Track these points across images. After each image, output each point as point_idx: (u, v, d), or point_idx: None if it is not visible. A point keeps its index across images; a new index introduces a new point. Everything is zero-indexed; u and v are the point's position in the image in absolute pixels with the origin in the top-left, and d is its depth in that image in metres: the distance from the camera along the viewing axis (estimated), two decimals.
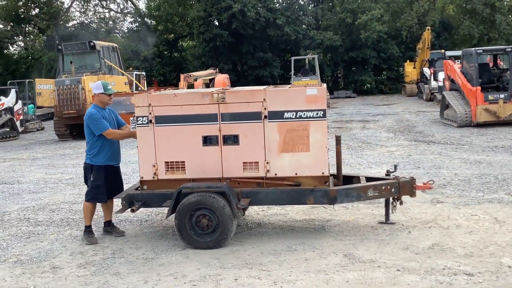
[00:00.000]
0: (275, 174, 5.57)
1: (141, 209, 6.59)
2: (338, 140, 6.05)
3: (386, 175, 6.03)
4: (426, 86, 25.57)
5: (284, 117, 5.47)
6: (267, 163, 5.55)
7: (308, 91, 5.45)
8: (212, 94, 5.55)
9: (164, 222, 6.46)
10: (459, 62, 17.00)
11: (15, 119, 18.67)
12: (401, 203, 5.89)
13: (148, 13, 40.23)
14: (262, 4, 32.85)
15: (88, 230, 5.90)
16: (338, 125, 16.60)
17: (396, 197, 5.85)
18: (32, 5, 39.72)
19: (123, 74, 18.22)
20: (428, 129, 14.20)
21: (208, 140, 5.60)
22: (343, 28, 35.18)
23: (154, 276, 4.76)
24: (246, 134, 5.55)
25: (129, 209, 5.59)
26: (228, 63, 34.19)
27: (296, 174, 5.54)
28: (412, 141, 12.21)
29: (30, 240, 6.01)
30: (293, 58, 26.83)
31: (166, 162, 5.68)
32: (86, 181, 6.00)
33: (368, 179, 6.08)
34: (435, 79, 23.94)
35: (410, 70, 30.16)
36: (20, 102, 19.53)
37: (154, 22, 39.79)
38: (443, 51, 29.31)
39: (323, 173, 5.51)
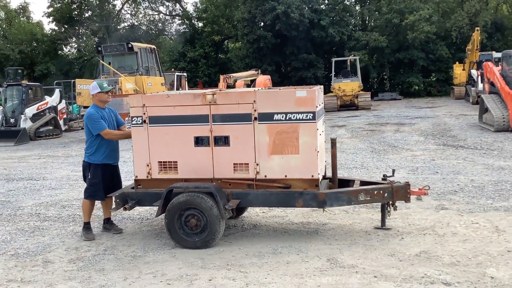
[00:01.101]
0: (265, 176, 5.55)
1: (145, 208, 6.79)
2: (333, 143, 5.96)
3: (383, 179, 5.89)
4: (473, 88, 24.71)
5: (274, 119, 5.45)
6: (257, 164, 5.54)
7: (297, 93, 5.40)
8: (203, 95, 5.60)
9: (162, 221, 6.55)
10: None
11: (58, 117, 19.42)
12: (395, 209, 5.74)
13: (195, 15, 40.83)
14: (306, 5, 32.71)
15: (86, 226, 6.08)
16: (371, 128, 16.30)
17: (390, 202, 5.71)
18: (85, 8, 41.17)
19: (160, 75, 18.59)
20: (463, 133, 13.72)
21: (199, 141, 5.65)
22: (390, 29, 34.52)
23: (135, 274, 4.86)
24: (236, 135, 5.56)
25: (122, 208, 5.72)
26: (271, 64, 34.24)
27: (285, 176, 5.50)
28: (441, 145, 11.84)
29: (33, 235, 6.26)
30: (333, 60, 26.58)
31: (159, 162, 5.78)
32: (84, 179, 6.18)
33: (363, 183, 5.97)
34: (482, 81, 23.11)
35: (459, 72, 29.22)
36: (64, 101, 20.28)
37: (201, 24, 40.35)
38: (493, 52, 28.22)
39: (312, 176, 5.45)
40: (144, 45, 18.76)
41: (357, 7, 37.51)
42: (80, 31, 41.39)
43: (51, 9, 40.41)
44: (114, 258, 5.32)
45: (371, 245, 5.35)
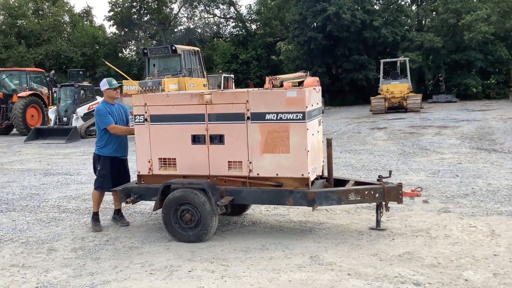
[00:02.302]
0: (258, 174, 5.70)
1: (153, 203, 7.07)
2: (329, 143, 6.03)
3: (378, 180, 5.90)
4: None
5: (266, 118, 5.59)
6: (250, 163, 5.71)
7: (288, 94, 5.53)
8: (200, 95, 5.82)
9: None
10: None
11: None
12: (387, 210, 5.73)
13: (248, 18, 41.33)
14: (358, 6, 32.38)
15: (95, 217, 6.45)
16: (412, 131, 16.00)
17: (383, 203, 5.71)
18: (144, 11, 42.59)
19: (203, 76, 19.04)
20: (503, 137, 13.24)
21: (196, 139, 5.88)
22: (446, 30, 33.59)
23: (125, 263, 5.14)
24: (230, 134, 5.75)
25: (124, 201, 6.05)
26: (322, 66, 34.12)
27: (277, 174, 5.63)
28: (474, 148, 11.51)
29: (48, 225, 6.70)
30: (382, 61, 26.20)
31: (159, 159, 6.06)
32: (95, 171, 6.56)
33: (357, 183, 6.00)
34: None
35: None
36: None
37: (254, 26, 40.79)
38: None
39: (302, 175, 5.55)
40: (188, 48, 19.28)
41: (413, 7, 36.74)
42: (139, 34, 42.82)
43: (111, 13, 42.13)
44: (112, 249, 5.64)
45: (358, 244, 5.39)
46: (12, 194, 8.61)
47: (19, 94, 21.28)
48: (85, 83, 32.69)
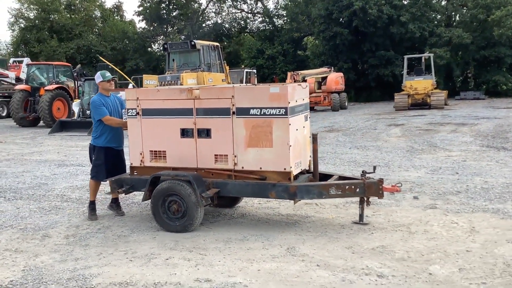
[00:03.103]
0: (242, 167, 5.86)
1: None
2: (314, 138, 6.14)
3: (362, 175, 5.97)
4: None
5: (250, 113, 5.74)
6: (235, 156, 5.88)
7: (271, 90, 5.66)
8: (188, 90, 6.01)
9: None
10: None
11: None
12: (367, 204, 5.82)
13: (275, 13, 41.37)
14: (385, 1, 32.03)
15: (91, 206, 6.72)
16: (429, 128, 15.87)
17: (365, 198, 5.80)
18: (173, 7, 43.11)
19: (222, 72, 19.26)
20: None
21: (185, 133, 6.08)
22: (476, 25, 32.96)
23: (110, 251, 5.38)
24: (217, 128, 5.93)
25: (116, 191, 6.31)
26: (348, 61, 33.95)
27: (260, 168, 5.78)
28: (484, 146, 11.39)
29: (49, 213, 7.01)
30: (406, 57, 25.91)
31: (151, 151, 6.29)
32: (91, 160, 6.83)
33: (341, 178, 6.10)
34: None
35: None
36: None
37: (281, 21, 40.82)
38: None
39: (284, 169, 5.68)
40: (207, 43, 19.51)
41: (442, 2, 36.12)
42: (167, 29, 43.39)
43: (141, 8, 42.80)
44: (102, 237, 5.89)
45: (337, 237, 5.50)
46: (22, 183, 8.99)
47: (46, 88, 21.93)
48: (114, 77, 33.33)
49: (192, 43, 18.34)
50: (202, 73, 17.88)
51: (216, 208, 6.88)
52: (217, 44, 19.61)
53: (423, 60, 26.37)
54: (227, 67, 22.30)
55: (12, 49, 44.22)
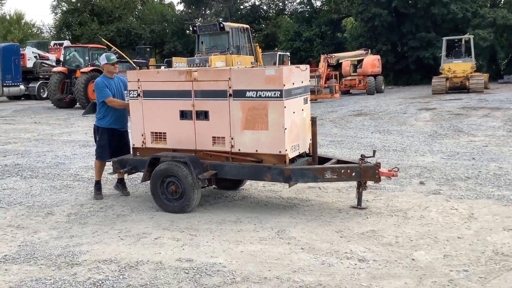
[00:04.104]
0: (239, 150, 5.87)
1: None
2: (313, 121, 6.06)
3: (360, 159, 5.88)
4: None
5: (246, 96, 5.72)
6: (232, 138, 5.88)
7: (266, 72, 5.62)
8: (187, 72, 6.03)
9: None
10: None
11: None
12: (364, 188, 5.74)
13: None
14: None
15: (97, 186, 6.88)
16: (460, 112, 15.41)
17: (362, 181, 5.71)
18: None
19: (252, 54, 19.21)
20: None
21: (184, 115, 6.12)
22: None
23: (106, 229, 5.50)
24: (214, 110, 5.94)
25: (117, 172, 6.45)
26: (386, 43, 33.23)
27: (256, 151, 5.78)
28: (511, 132, 10.97)
29: (58, 192, 7.21)
30: (444, 39, 25.10)
31: (151, 132, 6.36)
32: (95, 141, 6.98)
33: (339, 162, 6.02)
34: None
35: None
36: None
37: (319, 2, 40.28)
38: None
39: (280, 152, 5.65)
40: (237, 25, 19.46)
41: None
42: (205, 11, 43.50)
43: None
44: (102, 215, 6.03)
45: (330, 221, 5.45)
46: (42, 163, 9.28)
47: (82, 70, 22.41)
48: (152, 60, 33.85)
49: (221, 25, 18.35)
50: (230, 55, 17.89)
51: (220, 190, 6.93)
52: (247, 26, 19.55)
53: (463, 42, 25.49)
54: (260, 50, 22.23)
55: (55, 32, 45.34)
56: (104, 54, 6.91)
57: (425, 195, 6.28)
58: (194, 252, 4.71)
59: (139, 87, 6.31)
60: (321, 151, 9.34)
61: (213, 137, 6.00)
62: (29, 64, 28.95)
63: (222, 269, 4.28)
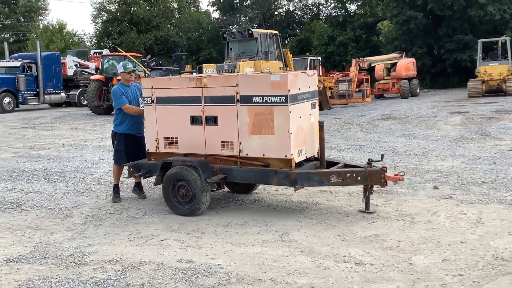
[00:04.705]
0: (247, 154, 5.99)
1: None
2: (321, 126, 6.12)
3: (368, 163, 5.89)
4: None
5: (253, 101, 5.84)
6: (240, 143, 6.01)
7: (272, 78, 5.72)
8: (197, 79, 6.20)
9: None
10: None
11: None
12: (371, 193, 5.76)
13: None
14: None
15: (115, 189, 7.13)
16: (492, 116, 15.06)
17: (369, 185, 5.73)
18: None
19: (281, 60, 19.29)
20: None
21: (194, 120, 6.28)
22: None
23: (118, 231, 5.71)
24: (223, 116, 6.08)
25: (132, 176, 6.67)
26: (422, 46, 32.60)
27: (263, 155, 5.88)
28: None
29: (80, 195, 7.49)
30: (480, 41, 24.53)
31: (165, 138, 6.56)
32: (113, 146, 7.23)
33: (347, 166, 6.05)
34: None
35: None
36: None
37: (354, 6, 40.04)
38: None
39: (286, 156, 5.73)
40: (265, 31, 19.59)
41: None
42: (240, 18, 43.90)
43: None
44: (117, 218, 6.25)
45: (335, 225, 5.49)
46: (70, 167, 9.64)
47: (118, 77, 23.04)
48: (188, 67, 34.36)
49: (250, 31, 18.52)
50: (259, 61, 18.00)
51: (233, 194, 7.06)
52: (276, 32, 19.65)
53: (499, 44, 24.86)
54: (291, 55, 22.29)
55: (95, 41, 46.66)
56: (121, 63, 7.17)
57: (437, 199, 6.23)
58: (196, 253, 4.84)
59: (152, 94, 6.52)
60: (341, 155, 9.41)
61: (222, 142, 6.14)
62: (70, 72, 29.86)
63: (219, 270, 4.40)
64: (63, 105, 29.06)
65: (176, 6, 48.18)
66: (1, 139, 14.68)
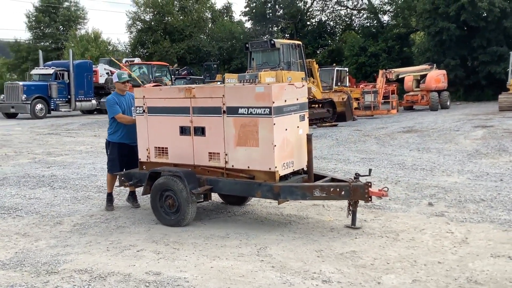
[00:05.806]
0: (232, 166, 5.93)
1: None
2: (308, 139, 6.00)
3: (355, 178, 5.74)
4: None
5: (239, 112, 5.79)
6: (226, 154, 5.96)
7: (257, 89, 5.67)
8: (186, 89, 6.19)
9: None
10: None
11: None
12: (354, 208, 5.60)
13: (381, 9, 40.17)
14: None
15: (108, 198, 7.17)
16: (510, 129, 14.57)
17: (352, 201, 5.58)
18: (278, 6, 43.64)
19: (304, 70, 19.17)
20: None
21: (183, 130, 6.27)
22: None
23: (100, 240, 5.71)
24: (210, 126, 6.05)
25: (123, 185, 6.70)
26: (455, 58, 31.93)
27: (248, 167, 5.81)
28: None
29: (77, 202, 7.57)
30: (511, 53, 23.79)
31: (155, 147, 6.56)
32: (107, 154, 7.28)
33: (333, 180, 5.91)
34: None
35: None
36: None
37: (386, 17, 39.61)
38: None
39: (270, 168, 5.65)
40: (288, 42, 19.51)
41: None
42: (272, 28, 43.99)
43: (247, 8, 43.85)
44: (104, 226, 6.27)
45: (316, 240, 5.36)
46: (76, 174, 9.77)
47: (145, 86, 23.41)
48: (218, 76, 34.62)
49: (272, 42, 18.50)
50: (281, 71, 17.93)
51: (226, 205, 7.01)
52: (299, 42, 19.55)
53: None
54: (317, 66, 22.13)
55: (130, 50, 47.53)
56: (116, 73, 7.23)
57: (427, 216, 6.02)
58: (167, 266, 4.80)
59: (144, 104, 6.54)
60: (349, 168, 9.25)
61: (210, 153, 6.10)
62: (101, 80, 30.46)
63: (183, 284, 4.34)
64: (94, 112, 29.64)
65: (209, 16, 48.68)
66: (24, 144, 15.04)
